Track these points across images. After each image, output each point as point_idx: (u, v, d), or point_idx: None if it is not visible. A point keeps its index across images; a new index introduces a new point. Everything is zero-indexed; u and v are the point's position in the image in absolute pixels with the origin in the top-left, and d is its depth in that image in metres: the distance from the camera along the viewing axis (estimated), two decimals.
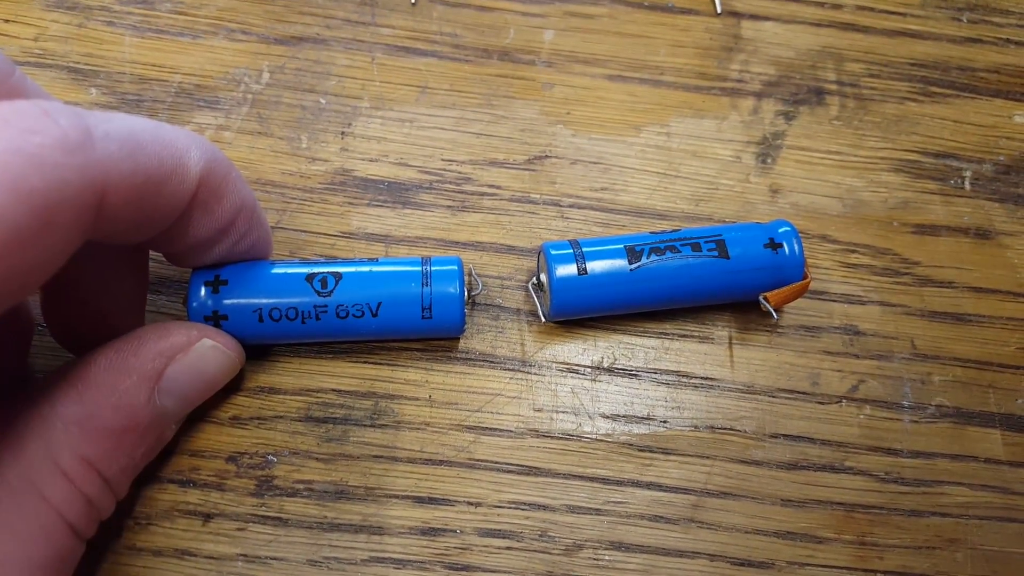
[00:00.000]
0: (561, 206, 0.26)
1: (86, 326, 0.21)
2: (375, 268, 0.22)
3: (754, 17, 0.29)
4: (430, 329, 0.22)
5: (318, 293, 0.21)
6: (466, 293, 0.22)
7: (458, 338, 0.24)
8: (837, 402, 0.24)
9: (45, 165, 0.13)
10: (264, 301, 0.21)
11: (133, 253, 0.21)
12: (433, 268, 0.22)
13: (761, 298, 0.23)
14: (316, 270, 0.21)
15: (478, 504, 0.22)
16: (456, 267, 0.22)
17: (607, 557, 0.22)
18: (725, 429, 0.24)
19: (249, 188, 0.20)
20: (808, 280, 0.23)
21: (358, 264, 0.22)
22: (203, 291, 0.21)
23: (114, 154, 0.15)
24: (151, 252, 0.22)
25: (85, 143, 0.14)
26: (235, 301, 0.21)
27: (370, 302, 0.21)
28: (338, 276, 0.21)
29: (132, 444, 0.19)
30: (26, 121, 0.13)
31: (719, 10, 0.29)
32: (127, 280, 0.21)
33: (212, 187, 0.18)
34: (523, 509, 0.22)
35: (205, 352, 0.20)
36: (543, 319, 0.24)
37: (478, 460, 0.23)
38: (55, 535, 0.17)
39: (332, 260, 0.22)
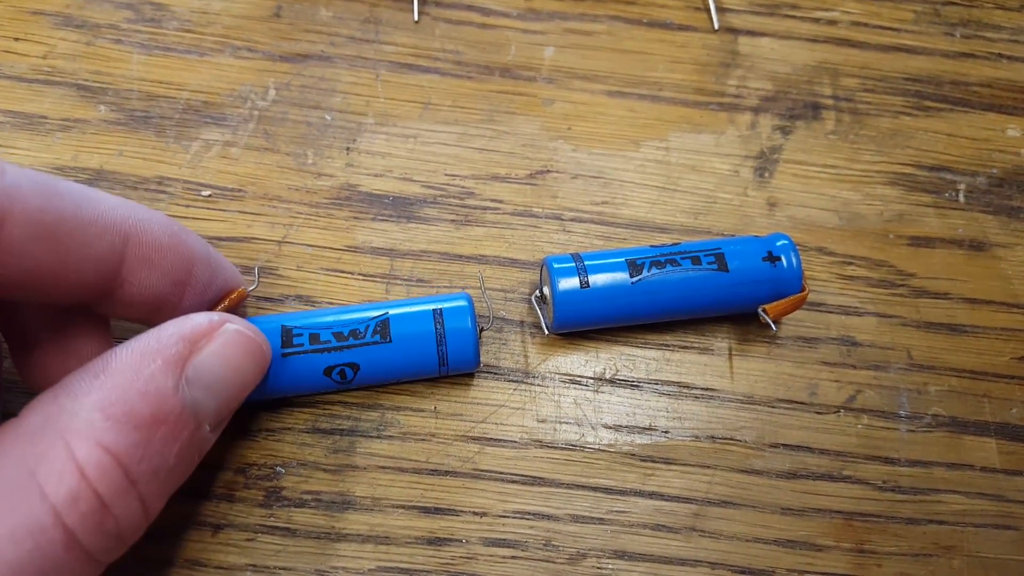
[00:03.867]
0: (563, 220, 0.27)
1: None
2: (391, 343, 0.22)
3: (751, 33, 0.30)
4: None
5: (337, 384, 0.22)
6: (478, 330, 0.22)
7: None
8: (835, 412, 0.25)
9: None
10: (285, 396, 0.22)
11: (90, 320, 0.20)
12: (449, 348, 0.22)
13: (760, 310, 0.23)
14: (332, 364, 0.21)
15: (483, 514, 0.23)
16: (473, 351, 0.22)
17: (610, 566, 0.22)
18: (725, 439, 0.24)
19: (199, 237, 0.20)
20: (806, 292, 0.23)
21: (370, 334, 0.21)
22: None
23: (23, 187, 0.15)
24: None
25: None
26: (256, 398, 0.21)
27: (390, 381, 0.23)
28: (355, 367, 0.21)
29: (164, 440, 0.16)
30: None
31: (716, 26, 0.30)
32: (90, 347, 0.20)
33: (150, 241, 0.18)
34: (527, 519, 0.23)
35: (230, 338, 0.19)
36: (546, 331, 0.24)
37: (483, 470, 0.23)
38: (43, 538, 0.14)
39: (341, 334, 0.22)
